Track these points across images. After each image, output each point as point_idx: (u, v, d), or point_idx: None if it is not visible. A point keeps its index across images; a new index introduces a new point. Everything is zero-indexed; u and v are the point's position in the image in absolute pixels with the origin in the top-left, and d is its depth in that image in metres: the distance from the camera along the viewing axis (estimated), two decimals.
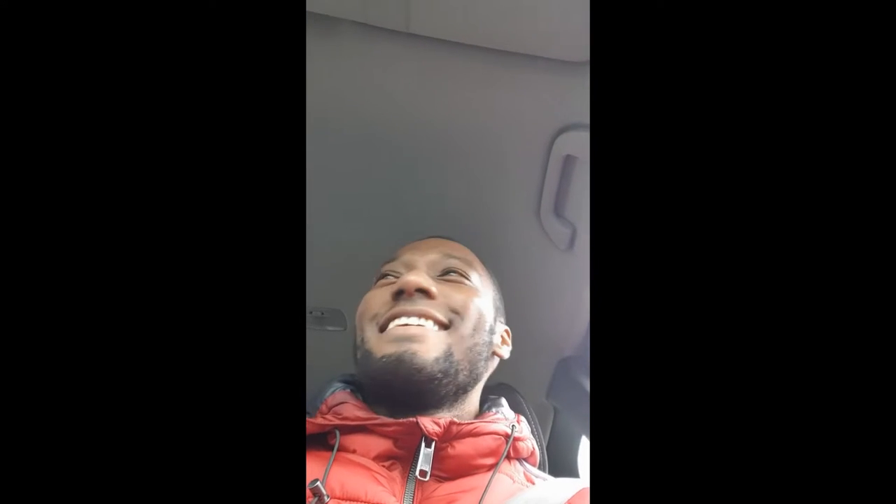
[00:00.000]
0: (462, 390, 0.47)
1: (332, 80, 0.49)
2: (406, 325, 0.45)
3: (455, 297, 0.47)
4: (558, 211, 0.59)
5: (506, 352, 0.53)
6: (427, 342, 0.44)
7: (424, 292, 0.46)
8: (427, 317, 0.45)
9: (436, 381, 0.43)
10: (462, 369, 0.46)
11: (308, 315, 0.76)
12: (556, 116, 0.51)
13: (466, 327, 0.47)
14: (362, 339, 0.47)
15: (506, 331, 0.55)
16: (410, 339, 0.44)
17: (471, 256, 0.54)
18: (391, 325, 0.45)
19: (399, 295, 0.46)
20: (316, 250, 0.66)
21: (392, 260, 0.52)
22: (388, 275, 0.51)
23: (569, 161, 0.54)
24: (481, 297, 0.50)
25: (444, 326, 0.46)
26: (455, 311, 0.47)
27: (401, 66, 0.48)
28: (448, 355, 0.44)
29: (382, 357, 0.44)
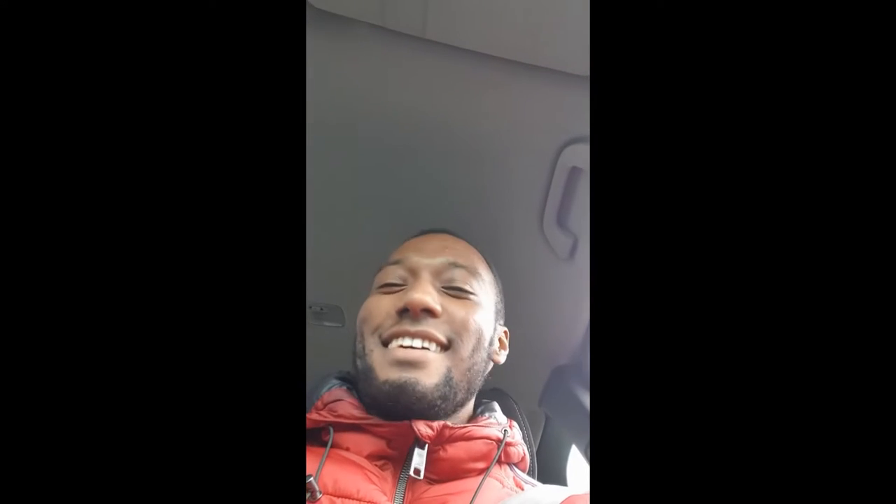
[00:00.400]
0: (459, 405, 0.47)
1: (342, 78, 0.50)
2: (409, 346, 0.45)
3: (457, 314, 0.47)
4: (561, 221, 0.60)
5: (503, 356, 0.53)
6: (428, 367, 0.44)
7: (429, 311, 0.46)
8: (430, 339, 0.45)
9: (436, 407, 0.44)
10: (460, 389, 0.46)
11: (307, 310, 0.77)
12: (564, 128, 0.52)
13: (466, 349, 0.47)
14: (363, 348, 0.47)
15: (504, 332, 0.54)
16: (413, 364, 0.44)
17: (475, 260, 0.53)
18: (393, 343, 0.45)
19: (404, 312, 0.46)
20: (317, 249, 0.66)
21: (395, 263, 0.51)
22: (393, 284, 0.50)
23: (574, 172, 0.55)
24: (483, 311, 0.49)
25: (445, 347, 0.46)
26: (456, 332, 0.46)
27: (413, 70, 0.48)
28: (448, 379, 0.45)
29: (385, 382, 0.44)
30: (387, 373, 0.44)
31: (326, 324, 0.79)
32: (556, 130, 0.52)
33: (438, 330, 0.46)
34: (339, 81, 0.50)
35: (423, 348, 0.45)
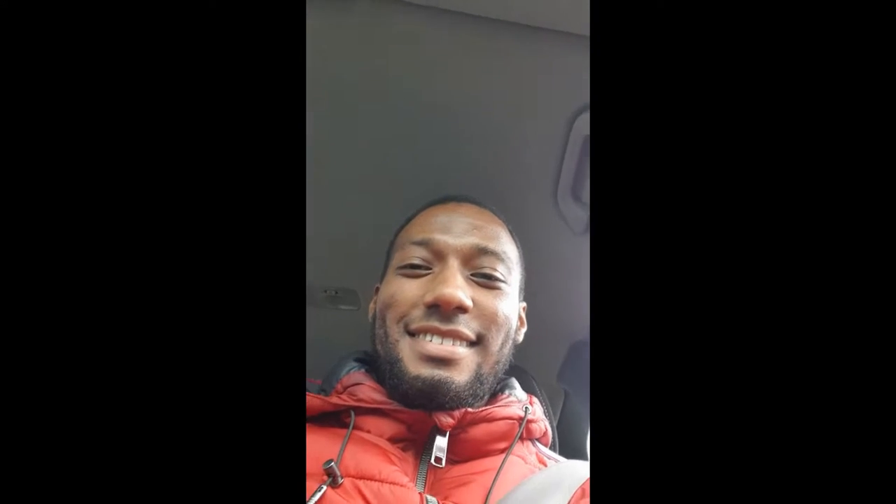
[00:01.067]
0: (485, 394, 0.47)
1: (347, 53, 0.48)
2: (440, 344, 0.43)
3: (487, 307, 0.45)
4: (576, 194, 0.58)
5: (521, 335, 0.52)
6: (460, 364, 0.43)
7: (461, 308, 0.44)
8: (460, 338, 0.44)
9: (465, 403, 0.43)
10: (488, 383, 0.46)
11: (322, 294, 0.77)
12: (576, 95, 0.50)
13: (496, 343, 0.46)
14: (385, 335, 0.46)
15: (522, 308, 0.53)
16: (444, 362, 0.43)
17: (503, 240, 0.50)
18: (423, 338, 0.44)
19: (434, 307, 0.44)
20: (329, 231, 0.66)
21: (419, 243, 0.47)
22: (417, 266, 0.47)
23: (588, 142, 0.53)
24: (510, 299, 0.48)
25: (473, 343, 0.45)
26: (485, 327, 0.45)
27: (417, 39, 0.47)
28: (478, 375, 0.44)
29: (417, 377, 0.42)
30: (417, 368, 0.43)
31: (342, 307, 0.78)
32: (568, 98, 0.50)
33: (468, 327, 0.44)
34: (343, 56, 0.49)
35: (452, 346, 0.43)
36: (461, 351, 0.44)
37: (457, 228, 0.48)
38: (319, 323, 0.79)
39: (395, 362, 0.44)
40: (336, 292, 0.77)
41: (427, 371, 0.42)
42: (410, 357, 0.44)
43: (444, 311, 0.43)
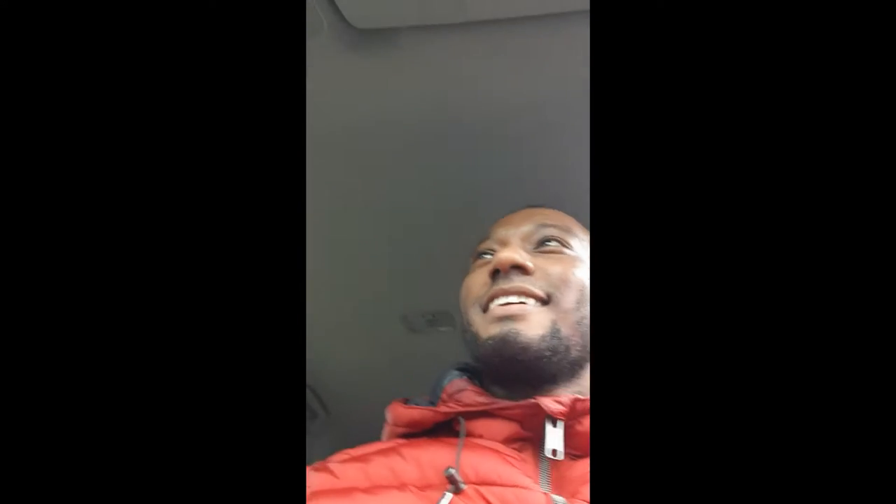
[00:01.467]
0: (578, 365, 0.46)
1: (386, 81, 0.51)
2: (507, 303, 0.45)
3: (553, 269, 0.46)
4: None
5: None
6: (529, 320, 0.44)
7: (520, 268, 0.45)
8: (526, 294, 0.45)
9: (545, 360, 0.43)
10: (573, 345, 0.45)
11: (419, 319, 0.79)
12: None
13: (569, 301, 0.45)
14: (468, 322, 0.48)
15: None
16: (512, 317, 0.44)
17: (568, 221, 0.51)
18: (492, 305, 0.45)
19: (496, 274, 0.46)
20: (414, 256, 0.68)
21: (486, 238, 0.51)
22: (484, 254, 0.50)
23: None
24: (584, 265, 0.48)
25: (545, 302, 0.45)
26: (554, 286, 0.45)
27: (453, 54, 0.49)
28: (555, 332, 0.44)
29: (488, 339, 0.44)
30: (488, 330, 0.44)
31: (441, 329, 0.81)
32: None
33: (535, 286, 0.45)
34: (383, 84, 0.51)
35: (520, 303, 0.44)
36: (530, 308, 0.44)
37: (517, 219, 0.51)
38: (422, 347, 0.82)
39: (473, 338, 0.46)
40: (432, 316, 0.79)
41: (496, 329, 0.43)
42: (483, 326, 0.45)
43: (504, 273, 0.45)
